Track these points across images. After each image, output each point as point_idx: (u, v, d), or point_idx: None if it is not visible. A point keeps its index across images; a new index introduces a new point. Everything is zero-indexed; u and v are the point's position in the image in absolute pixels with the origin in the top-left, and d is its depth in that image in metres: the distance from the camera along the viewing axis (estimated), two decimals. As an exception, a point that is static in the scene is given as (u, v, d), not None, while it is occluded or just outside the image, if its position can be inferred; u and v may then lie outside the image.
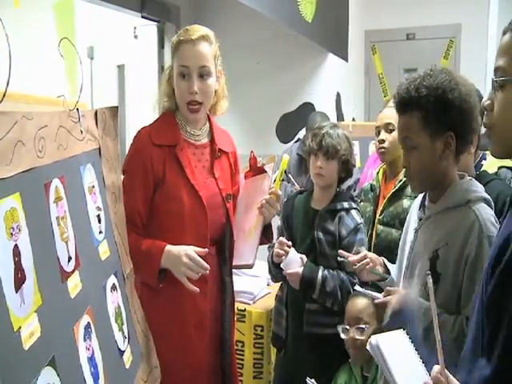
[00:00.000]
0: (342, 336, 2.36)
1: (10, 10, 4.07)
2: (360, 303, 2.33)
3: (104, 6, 3.88)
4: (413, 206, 2.03)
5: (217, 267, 2.26)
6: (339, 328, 2.36)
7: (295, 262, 2.52)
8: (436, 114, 1.73)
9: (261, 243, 2.31)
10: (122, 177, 2.04)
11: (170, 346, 2.10)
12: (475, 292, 1.65)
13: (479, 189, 1.81)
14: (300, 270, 2.51)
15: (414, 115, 1.76)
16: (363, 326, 2.27)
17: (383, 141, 2.77)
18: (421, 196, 1.95)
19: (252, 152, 2.45)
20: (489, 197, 1.79)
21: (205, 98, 2.13)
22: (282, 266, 2.52)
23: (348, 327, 2.34)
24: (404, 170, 1.87)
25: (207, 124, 2.28)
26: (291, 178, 4.11)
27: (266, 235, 2.33)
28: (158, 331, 2.03)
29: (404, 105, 1.79)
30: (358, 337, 2.28)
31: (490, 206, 1.77)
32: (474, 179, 1.85)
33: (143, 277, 2.08)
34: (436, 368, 1.23)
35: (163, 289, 2.12)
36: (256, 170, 2.39)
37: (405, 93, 1.78)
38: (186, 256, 2.01)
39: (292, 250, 2.52)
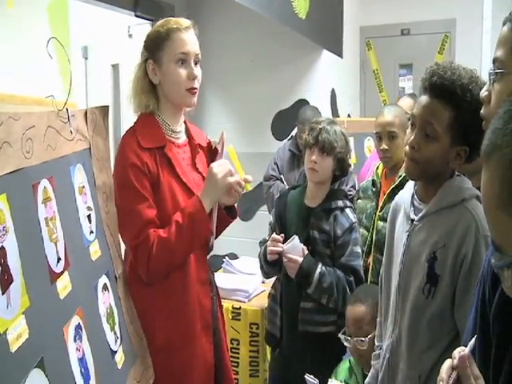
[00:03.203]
0: (346, 344, 2.35)
1: (3, 11, 4.06)
2: (359, 311, 2.31)
3: (98, 5, 3.85)
4: (396, 206, 1.97)
5: (207, 261, 2.24)
6: (341, 337, 2.34)
7: (297, 250, 2.53)
8: (468, 125, 1.66)
9: (226, 222, 2.24)
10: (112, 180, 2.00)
11: (178, 357, 2.06)
12: (470, 292, 1.65)
13: (470, 185, 1.78)
14: (300, 259, 2.51)
15: (446, 108, 1.68)
16: (363, 339, 2.25)
17: (386, 150, 2.75)
18: (406, 196, 1.91)
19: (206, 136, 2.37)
20: (479, 193, 1.77)
21: (199, 85, 2.11)
22: (283, 250, 2.52)
23: (349, 338, 2.32)
24: (408, 148, 1.75)
25: (183, 121, 2.23)
26: (283, 179, 4.13)
27: (230, 213, 2.24)
28: (165, 344, 2.03)
29: (441, 91, 1.68)
30: (359, 347, 2.27)
31: (480, 202, 1.75)
32: (462, 175, 1.83)
33: (198, 240, 2.04)
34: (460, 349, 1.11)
35: (170, 294, 2.05)
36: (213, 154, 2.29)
37: (449, 82, 1.67)
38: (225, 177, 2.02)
39: (295, 238, 2.52)
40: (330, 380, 2.24)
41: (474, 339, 1.10)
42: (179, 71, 2.05)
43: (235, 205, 2.25)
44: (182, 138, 2.18)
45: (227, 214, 2.21)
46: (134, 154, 1.99)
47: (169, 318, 2.04)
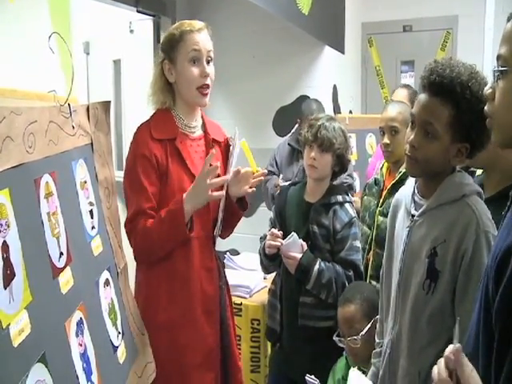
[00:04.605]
0: (340, 345, 2.36)
1: (4, 5, 4.05)
2: (348, 311, 2.33)
3: (99, 0, 3.85)
4: (396, 203, 1.97)
5: (214, 250, 2.32)
6: (335, 339, 2.35)
7: (296, 247, 2.53)
8: (468, 122, 1.65)
9: (237, 214, 2.35)
10: (119, 173, 2.06)
11: (179, 336, 2.15)
12: (471, 287, 1.64)
13: (471, 181, 1.78)
14: (299, 256, 2.51)
15: (446, 106, 1.66)
16: (355, 337, 2.26)
17: (388, 145, 2.77)
18: (407, 192, 1.90)
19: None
20: (480, 189, 1.77)
21: (211, 83, 2.22)
22: (281, 248, 2.53)
23: (342, 338, 2.33)
24: (408, 147, 1.74)
25: (200, 116, 2.32)
26: (280, 175, 4.12)
27: (241, 206, 2.36)
28: (167, 323, 2.14)
29: (440, 89, 1.67)
30: (353, 345, 2.28)
31: (481, 198, 1.75)
32: (463, 171, 1.82)
33: (174, 237, 2.12)
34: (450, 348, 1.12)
35: (172, 277, 2.17)
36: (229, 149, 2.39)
37: (448, 80, 1.66)
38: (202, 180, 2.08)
39: (294, 235, 2.52)
40: (351, 369, 2.23)
41: (458, 345, 1.11)
42: (192, 69, 2.17)
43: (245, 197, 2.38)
44: (198, 132, 2.30)
45: (238, 206, 2.32)
46: (144, 145, 2.14)
47: (170, 299, 2.17)
